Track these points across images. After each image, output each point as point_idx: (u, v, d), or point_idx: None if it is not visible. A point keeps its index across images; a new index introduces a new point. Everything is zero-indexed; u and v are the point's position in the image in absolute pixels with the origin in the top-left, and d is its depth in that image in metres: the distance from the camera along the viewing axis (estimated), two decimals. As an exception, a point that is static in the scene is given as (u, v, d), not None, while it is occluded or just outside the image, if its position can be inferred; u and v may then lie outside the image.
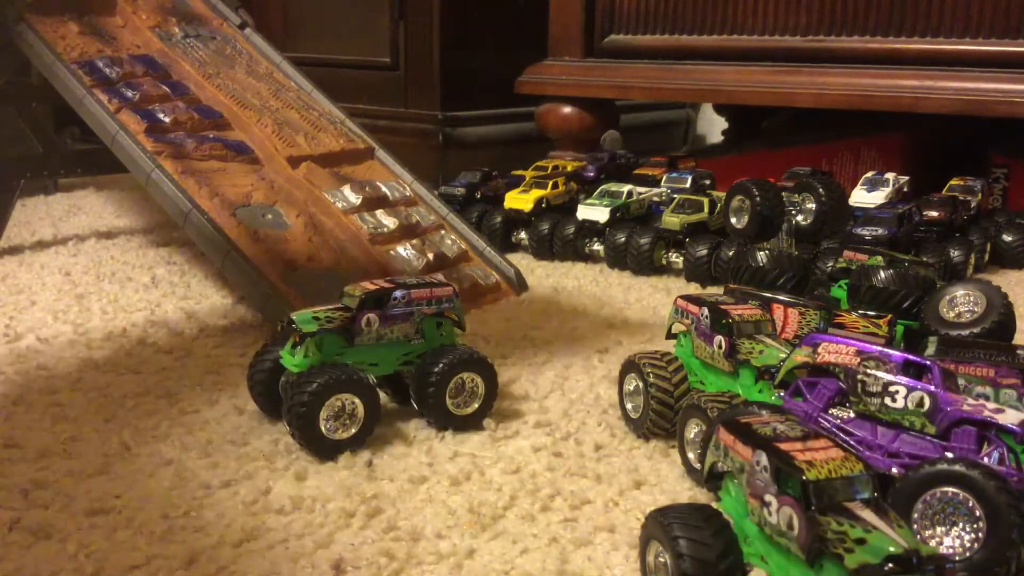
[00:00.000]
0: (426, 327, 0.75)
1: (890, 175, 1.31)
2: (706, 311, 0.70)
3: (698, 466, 0.63)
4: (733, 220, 1.15)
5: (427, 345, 0.75)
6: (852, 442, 0.57)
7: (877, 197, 1.25)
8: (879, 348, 0.59)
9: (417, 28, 1.79)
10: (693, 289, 1.15)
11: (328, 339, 0.71)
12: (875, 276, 0.87)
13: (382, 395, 0.77)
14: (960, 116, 1.32)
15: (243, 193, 1.08)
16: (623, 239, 1.22)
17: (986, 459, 0.53)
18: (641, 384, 0.71)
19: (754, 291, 0.83)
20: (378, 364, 0.74)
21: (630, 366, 0.73)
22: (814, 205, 1.15)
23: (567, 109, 1.70)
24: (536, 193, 1.34)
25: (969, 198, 1.27)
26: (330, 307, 0.73)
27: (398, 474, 0.66)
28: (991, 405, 0.55)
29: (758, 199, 1.10)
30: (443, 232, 1.16)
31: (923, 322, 0.82)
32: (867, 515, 0.42)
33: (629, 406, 0.74)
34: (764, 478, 0.45)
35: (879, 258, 0.93)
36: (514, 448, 0.71)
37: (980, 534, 0.48)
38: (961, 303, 0.81)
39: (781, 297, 0.81)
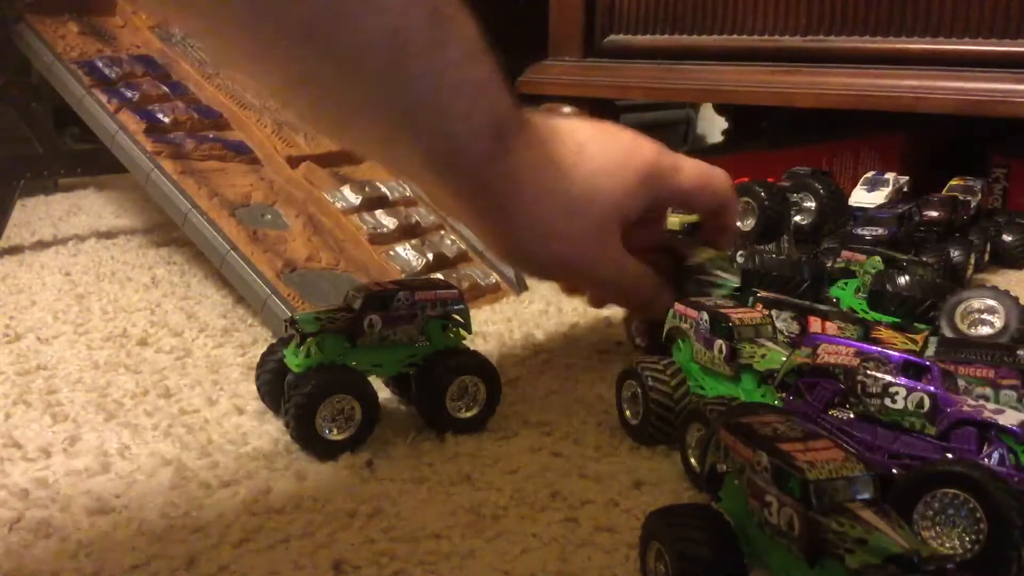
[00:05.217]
0: (431, 329, 0.74)
1: (890, 175, 1.31)
2: (705, 315, 0.70)
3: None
4: (738, 223, 1.14)
5: (433, 348, 0.74)
6: (852, 443, 0.57)
7: (877, 197, 1.25)
8: (879, 349, 0.59)
9: (417, 28, 1.78)
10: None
11: (330, 340, 0.71)
12: (895, 281, 0.86)
13: (388, 394, 0.77)
14: (960, 116, 1.31)
15: (242, 193, 1.08)
16: (623, 239, 1.21)
17: (986, 460, 0.53)
18: (640, 391, 0.70)
19: (788, 300, 0.81)
20: (382, 365, 0.73)
21: (628, 373, 0.72)
22: (813, 205, 1.14)
23: (567, 109, 1.70)
24: (536, 193, 1.34)
25: (969, 198, 1.27)
26: (333, 307, 0.73)
27: (398, 474, 0.66)
28: (991, 406, 0.55)
29: (767, 202, 1.09)
30: (443, 232, 1.16)
31: (937, 329, 0.82)
32: (868, 516, 0.42)
33: (628, 413, 0.72)
34: (764, 478, 0.45)
35: (877, 258, 0.92)
36: (514, 448, 0.70)
37: (981, 535, 0.48)
38: (976, 313, 0.80)
39: (820, 307, 0.78)
